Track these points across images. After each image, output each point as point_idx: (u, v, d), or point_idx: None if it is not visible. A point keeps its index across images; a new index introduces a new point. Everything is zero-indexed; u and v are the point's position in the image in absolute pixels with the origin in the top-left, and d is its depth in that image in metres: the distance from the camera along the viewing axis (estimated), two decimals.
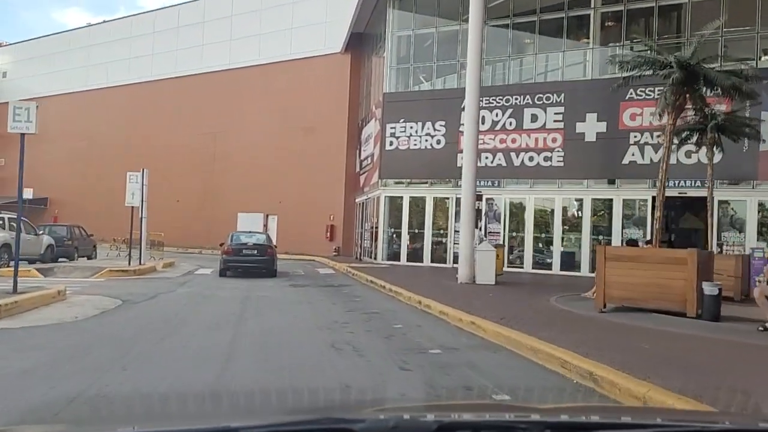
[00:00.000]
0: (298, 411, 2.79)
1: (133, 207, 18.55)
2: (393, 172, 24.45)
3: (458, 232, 29.55)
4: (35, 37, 46.66)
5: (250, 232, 20.18)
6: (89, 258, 22.79)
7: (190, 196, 36.38)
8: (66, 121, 42.28)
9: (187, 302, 11.39)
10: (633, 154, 20.20)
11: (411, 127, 23.85)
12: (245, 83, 34.73)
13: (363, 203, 28.82)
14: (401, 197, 24.28)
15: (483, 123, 22.46)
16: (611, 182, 20.94)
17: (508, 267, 19.51)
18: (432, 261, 23.20)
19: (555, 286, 15.23)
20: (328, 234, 30.95)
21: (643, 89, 20.04)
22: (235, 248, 17.93)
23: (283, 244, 32.63)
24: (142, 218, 18.88)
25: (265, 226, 33.58)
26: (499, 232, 21.96)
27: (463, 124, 22.70)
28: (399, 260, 23.84)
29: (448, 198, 23.47)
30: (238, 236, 19.02)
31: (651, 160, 19.90)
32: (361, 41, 30.61)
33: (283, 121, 33.02)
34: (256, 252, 17.94)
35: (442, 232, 23.29)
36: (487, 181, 22.40)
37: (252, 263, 17.64)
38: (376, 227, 25.13)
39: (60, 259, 20.29)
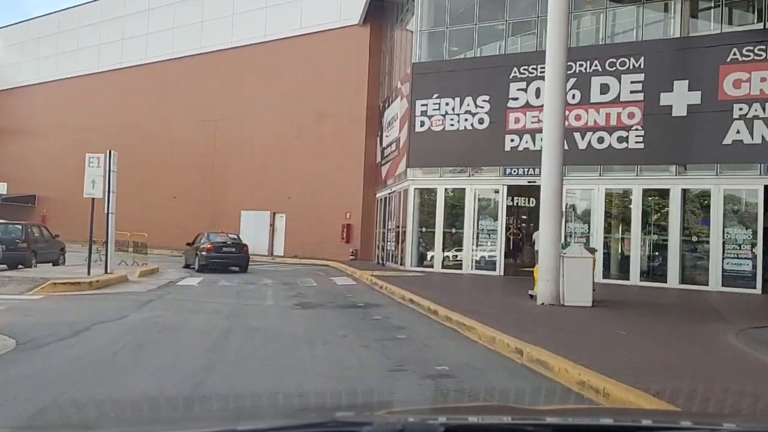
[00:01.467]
0: (304, 413, 2.60)
1: (94, 199, 14.33)
2: (424, 160, 20.10)
3: (514, 231, 25.23)
4: (20, 20, 42.83)
5: (221, 232, 21.55)
6: (55, 264, 18.70)
7: (189, 191, 32.28)
8: (56, 111, 38.44)
9: (128, 342, 7.11)
10: (738, 132, 15.69)
11: (446, 104, 19.49)
12: (250, 64, 30.56)
13: (385, 198, 24.50)
14: (434, 190, 19.92)
15: (538, 96, 18.08)
16: (708, 168, 16.43)
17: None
18: (475, 268, 18.82)
19: (684, 307, 10.84)
20: (344, 235, 26.67)
21: (752, 47, 15.60)
22: (216, 245, 19.65)
23: (292, 246, 28.50)
24: (108, 214, 14.71)
25: (272, 225, 29.39)
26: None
27: (513, 99, 18.40)
28: (432, 266, 19.49)
29: (494, 190, 19.07)
30: (214, 236, 20.52)
31: (763, 138, 15.44)
32: (383, 10, 26.28)
33: (292, 105, 28.81)
34: (234, 249, 19.99)
35: (487, 231, 18.89)
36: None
37: (230, 259, 19.66)
38: (403, 226, 20.80)
39: (20, 266, 16.28)
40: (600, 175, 17.47)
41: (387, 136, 24.55)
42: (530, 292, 11.17)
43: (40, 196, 39.27)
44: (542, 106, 17.82)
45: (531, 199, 24.07)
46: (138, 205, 33.99)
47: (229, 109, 31.02)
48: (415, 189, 20.22)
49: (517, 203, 19.21)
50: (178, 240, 32.19)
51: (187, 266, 20.74)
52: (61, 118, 38.05)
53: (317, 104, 27.88)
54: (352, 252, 26.23)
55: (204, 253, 19.00)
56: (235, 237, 21.09)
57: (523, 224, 26.04)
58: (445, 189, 19.70)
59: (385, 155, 24.74)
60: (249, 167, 30.18)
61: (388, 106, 24.67)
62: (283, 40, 29.41)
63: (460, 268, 19.02)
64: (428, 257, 20.04)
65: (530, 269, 21.53)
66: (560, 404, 4.72)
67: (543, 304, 10.12)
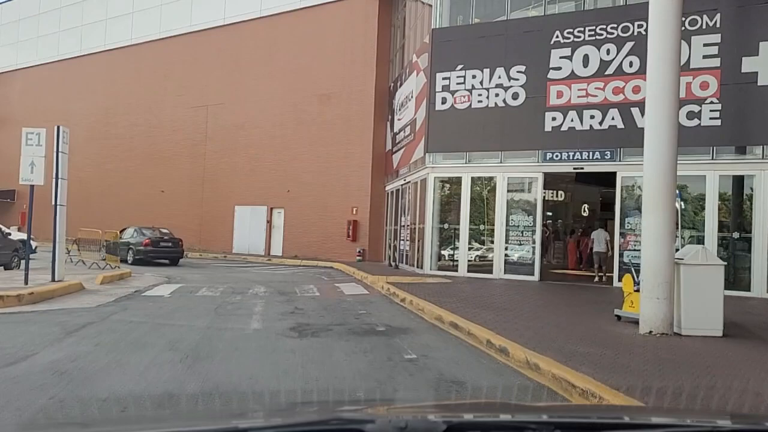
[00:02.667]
0: (307, 411, 2.51)
1: (33, 186, 11.26)
2: (446, 143, 17.00)
3: (553, 228, 22.09)
4: None
5: (153, 227, 21.68)
6: (7, 267, 15.68)
7: (178, 185, 29.23)
8: (35, 98, 35.41)
9: None
10: None
11: (473, 77, 16.39)
12: (245, 42, 27.48)
13: (398, 191, 21.42)
14: (458, 179, 16.82)
15: (586, 65, 15.02)
16: None
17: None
18: (508, 272, 15.73)
19: None
20: (350, 233, 23.60)
21: None
22: (154, 240, 20.33)
23: (292, 245, 25.47)
24: (56, 206, 11.64)
25: (269, 222, 26.32)
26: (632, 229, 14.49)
27: (555, 69, 15.30)
28: (456, 270, 16.41)
29: (530, 178, 15.99)
30: (147, 231, 20.93)
31: None
32: None
33: (292, 88, 25.73)
34: (170, 244, 20.72)
35: (521, 228, 15.80)
36: (592, 152, 14.94)
37: (168, 252, 20.56)
38: (421, 223, 17.72)
39: None
40: None
41: (399, 119, 21.44)
42: (617, 312, 8.12)
43: (20, 192, 36.24)
44: (592, 77, 14.82)
45: (567, 189, 20.93)
46: (122, 200, 31.00)
47: (222, 94, 27.95)
48: (435, 178, 17.12)
49: (560, 195, 16.11)
50: None
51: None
52: (40, 105, 34.99)
53: (320, 86, 24.81)
54: (359, 252, 23.17)
55: (141, 247, 19.97)
56: (167, 232, 21.48)
57: (559, 220, 23.01)
58: (471, 178, 16.59)
59: (396, 142, 21.64)
60: (244, 157, 27.12)
61: (401, 85, 21.56)
62: (281, 14, 26.33)
63: (489, 272, 15.94)
64: (451, 259, 16.96)
65: (567, 272, 18.56)
66: (564, 403, 4.57)
67: (651, 332, 7.03)
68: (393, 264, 20.35)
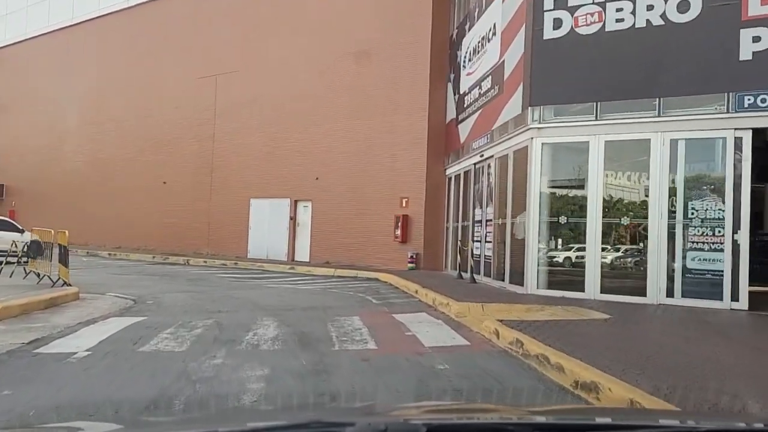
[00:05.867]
0: (287, 414, 2.50)
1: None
2: (561, 90, 10.92)
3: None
4: None
5: None
6: None
7: (183, 174, 23.75)
8: (25, 78, 30.37)
9: None
10: None
11: None
12: None
13: (466, 173, 15.47)
14: (582, 144, 10.68)
15: None
16: None
17: None
18: (678, 294, 9.59)
19: None
20: (399, 232, 17.68)
21: None
22: None
23: (321, 248, 19.71)
24: None
25: (293, 219, 20.58)
26: None
27: None
28: (579, 288, 10.32)
29: (716, 138, 9.77)
30: None
31: None
32: None
33: (320, 46, 19.95)
34: None
35: (702, 222, 9.61)
36: None
37: None
38: (515, 216, 11.73)
39: None
40: None
41: (470, 73, 15.43)
42: None
43: (8, 186, 31.30)
44: None
45: None
46: (118, 195, 25.71)
47: (234, 60, 22.34)
48: (542, 145, 11.04)
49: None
50: (166, 240, 23.74)
51: None
52: (27, 87, 29.96)
53: (356, 41, 18.98)
54: (412, 257, 17.25)
55: None
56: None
57: None
58: (606, 143, 10.48)
59: (465, 105, 15.65)
60: (261, 137, 21.47)
61: (471, 28, 15.55)
62: None
63: (641, 293, 9.84)
64: (569, 272, 10.90)
65: None
66: (545, 404, 4.37)
67: None
68: (464, 275, 14.34)
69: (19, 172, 30.30)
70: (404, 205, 17.80)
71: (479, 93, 14.39)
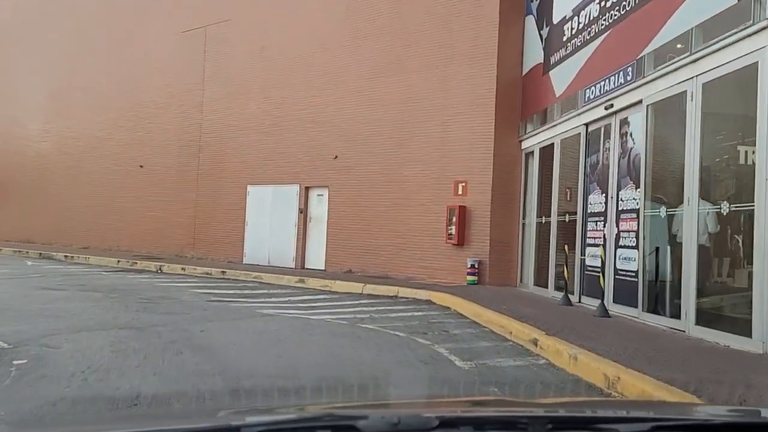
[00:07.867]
0: (300, 408, 2.42)
1: None
2: None
3: None
4: None
5: None
6: None
7: (164, 155, 18.61)
8: None
9: None
10: None
11: None
12: None
13: (572, 140, 10.13)
14: None
15: None
16: None
17: None
18: None
19: None
20: (453, 229, 12.36)
21: None
22: None
23: (342, 251, 14.24)
24: None
25: (302, 212, 15.32)
26: None
27: None
28: None
29: None
30: None
31: None
32: None
33: None
34: None
35: None
36: None
37: None
38: (699, 200, 6.38)
39: None
40: None
41: None
42: None
43: None
44: None
45: None
46: (88, 183, 20.66)
47: (229, 4, 17.16)
48: None
49: None
50: (144, 239, 18.59)
51: None
52: None
53: None
54: (472, 267, 11.95)
55: None
56: None
57: None
58: None
59: (569, 36, 10.28)
60: (262, 104, 16.26)
61: None
62: None
63: None
64: None
65: None
66: (558, 396, 4.40)
67: None
68: (572, 300, 8.97)
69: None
70: (461, 192, 12.50)
71: (600, 7, 9.04)
